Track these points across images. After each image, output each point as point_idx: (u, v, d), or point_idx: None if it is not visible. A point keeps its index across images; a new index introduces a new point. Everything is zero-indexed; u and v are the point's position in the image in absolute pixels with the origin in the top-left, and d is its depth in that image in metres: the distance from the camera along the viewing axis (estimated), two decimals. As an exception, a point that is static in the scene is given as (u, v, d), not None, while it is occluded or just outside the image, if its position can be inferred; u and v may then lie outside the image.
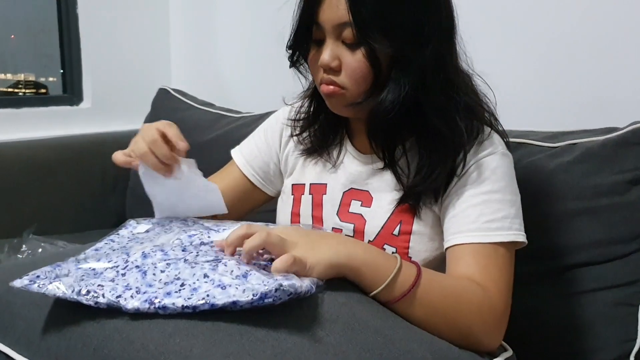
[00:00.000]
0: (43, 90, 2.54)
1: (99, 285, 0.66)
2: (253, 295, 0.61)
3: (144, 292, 0.65)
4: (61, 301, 0.67)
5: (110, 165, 2.01)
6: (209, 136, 1.75)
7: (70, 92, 2.19)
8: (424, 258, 0.94)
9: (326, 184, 1.02)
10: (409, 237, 0.93)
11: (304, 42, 0.93)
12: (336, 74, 0.89)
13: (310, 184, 1.04)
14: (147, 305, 0.64)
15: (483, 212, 0.87)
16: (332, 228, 1.00)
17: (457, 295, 0.81)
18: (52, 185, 1.91)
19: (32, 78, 2.63)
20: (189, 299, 0.63)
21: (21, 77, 2.63)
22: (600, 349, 1.05)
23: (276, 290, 0.62)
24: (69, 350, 0.64)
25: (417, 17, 0.86)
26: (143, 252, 0.74)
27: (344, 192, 1.00)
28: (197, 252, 0.74)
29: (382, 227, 0.95)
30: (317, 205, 1.03)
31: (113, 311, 0.64)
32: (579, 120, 1.26)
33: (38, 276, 0.67)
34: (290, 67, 0.98)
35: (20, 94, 2.50)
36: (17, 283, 0.65)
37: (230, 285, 0.64)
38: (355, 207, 0.98)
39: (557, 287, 1.09)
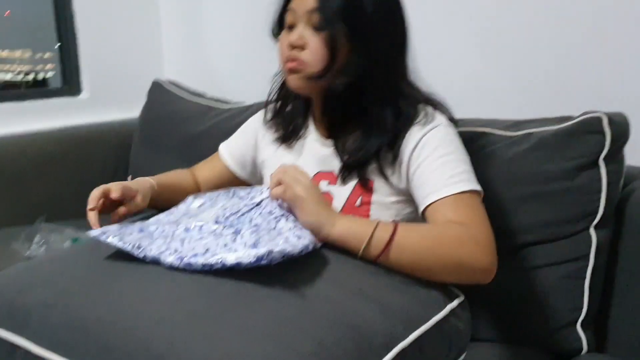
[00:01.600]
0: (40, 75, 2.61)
1: (149, 245, 0.87)
2: (250, 258, 0.79)
3: (179, 253, 0.84)
4: (67, 299, 0.81)
5: (109, 153, 2.16)
6: (200, 127, 1.85)
7: (69, 83, 2.28)
8: None
9: None
10: (369, 206, 1.08)
11: (280, 27, 1.10)
12: (300, 51, 1.05)
13: None
14: (178, 262, 0.83)
15: (444, 171, 1.01)
16: None
17: (436, 235, 0.94)
18: (56, 175, 2.02)
19: (28, 54, 2.69)
20: (207, 259, 0.82)
21: (18, 53, 2.70)
22: (551, 317, 1.17)
23: (268, 254, 0.78)
24: (75, 341, 0.75)
25: (375, 15, 1.02)
26: (186, 227, 0.91)
27: (313, 175, 1.13)
28: (224, 225, 0.90)
29: (345, 201, 1.10)
30: None
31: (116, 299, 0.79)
32: (549, 107, 1.35)
33: (105, 232, 0.89)
34: (274, 37, 1.13)
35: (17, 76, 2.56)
36: (92, 233, 0.89)
37: (237, 251, 0.81)
38: (323, 186, 1.13)
39: (512, 263, 1.19)
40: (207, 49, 2.34)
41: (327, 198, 1.11)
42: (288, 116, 1.20)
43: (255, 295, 0.78)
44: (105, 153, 2.15)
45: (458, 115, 1.15)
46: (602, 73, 1.39)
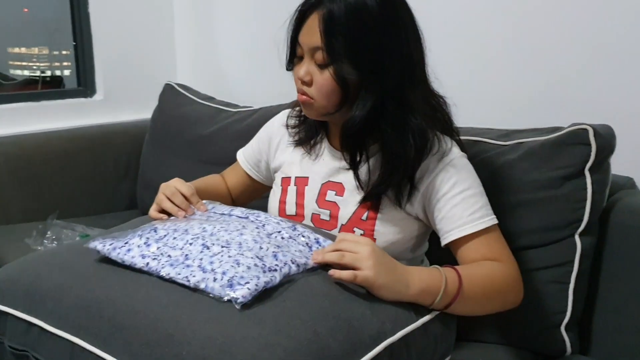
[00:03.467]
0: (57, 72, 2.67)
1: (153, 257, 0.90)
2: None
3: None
4: (82, 282, 0.88)
5: (121, 152, 2.24)
6: (208, 129, 1.92)
7: (84, 85, 2.36)
8: (388, 240, 1.12)
9: (308, 177, 1.21)
10: (375, 222, 1.12)
11: (292, 56, 1.12)
12: (308, 87, 1.08)
13: (296, 177, 1.23)
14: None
15: (465, 208, 1.07)
16: (312, 213, 1.19)
17: (491, 279, 1.02)
18: (70, 173, 2.09)
19: (45, 51, 2.73)
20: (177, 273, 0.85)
21: (35, 50, 2.75)
22: (537, 320, 1.21)
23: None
24: (89, 319, 0.83)
25: (379, 50, 1.02)
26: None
27: (322, 184, 1.18)
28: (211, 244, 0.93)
29: (352, 213, 1.14)
30: (300, 195, 1.21)
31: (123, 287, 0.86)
32: (540, 118, 1.39)
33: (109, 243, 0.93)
34: (288, 70, 1.15)
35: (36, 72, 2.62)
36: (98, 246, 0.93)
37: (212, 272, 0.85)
38: (330, 196, 1.17)
39: (500, 267, 1.24)
40: (218, 55, 2.39)
41: (332, 207, 1.16)
42: (309, 127, 1.22)
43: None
44: (117, 153, 2.22)
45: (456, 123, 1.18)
46: (595, 85, 1.42)
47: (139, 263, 0.89)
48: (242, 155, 1.38)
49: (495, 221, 1.08)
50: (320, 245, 0.99)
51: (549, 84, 1.50)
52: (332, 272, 0.90)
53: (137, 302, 0.83)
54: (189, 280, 0.84)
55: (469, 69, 1.63)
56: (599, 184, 1.20)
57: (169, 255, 0.89)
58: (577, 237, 1.20)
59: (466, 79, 1.63)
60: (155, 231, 0.97)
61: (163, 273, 0.86)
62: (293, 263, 0.90)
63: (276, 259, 0.89)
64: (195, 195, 1.13)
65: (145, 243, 0.93)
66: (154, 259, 0.89)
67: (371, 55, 1.02)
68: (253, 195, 1.39)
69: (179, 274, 0.85)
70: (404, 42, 1.05)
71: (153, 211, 1.13)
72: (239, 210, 1.11)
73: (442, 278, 0.95)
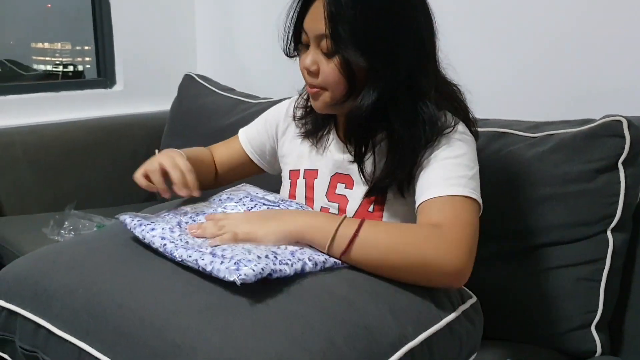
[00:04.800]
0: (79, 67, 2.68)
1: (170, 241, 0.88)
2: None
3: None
4: (89, 284, 0.85)
5: (140, 143, 2.22)
6: (227, 121, 1.89)
7: (104, 76, 2.36)
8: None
9: (317, 169, 1.16)
10: (382, 213, 1.07)
11: (295, 43, 1.06)
12: (315, 77, 1.02)
13: (305, 169, 1.18)
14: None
15: (443, 172, 0.96)
16: (321, 207, 1.15)
17: (403, 233, 0.89)
18: (88, 164, 2.09)
19: (68, 47, 2.75)
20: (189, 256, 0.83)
21: (58, 45, 2.76)
22: (565, 319, 1.17)
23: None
24: (95, 325, 0.79)
25: (389, 37, 0.96)
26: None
27: (331, 177, 1.14)
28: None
29: (359, 206, 1.09)
30: (309, 188, 1.17)
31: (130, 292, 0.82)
32: (571, 110, 1.34)
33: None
34: (290, 57, 1.10)
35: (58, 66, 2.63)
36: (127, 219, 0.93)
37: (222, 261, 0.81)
38: (340, 189, 1.13)
39: (527, 264, 1.20)
40: (238, 47, 2.38)
41: (341, 200, 1.12)
42: (316, 118, 1.18)
43: (270, 291, 0.80)
44: (136, 144, 2.21)
45: (480, 115, 1.14)
46: (626, 76, 1.38)
47: (157, 243, 0.88)
48: (244, 136, 1.30)
49: (470, 195, 0.93)
50: None
51: (577, 74, 1.45)
52: (211, 241, 0.88)
53: (145, 308, 0.78)
54: (198, 264, 0.81)
55: (491, 58, 1.59)
56: (633, 178, 1.15)
57: (187, 242, 0.88)
58: (609, 233, 1.16)
59: (489, 69, 1.58)
60: (180, 225, 0.95)
61: (176, 255, 0.84)
62: (310, 260, 0.86)
63: (292, 256, 0.86)
64: (192, 172, 1.05)
65: (170, 229, 0.92)
66: (172, 242, 0.87)
67: (380, 42, 0.96)
68: (242, 175, 1.33)
69: (190, 256, 0.83)
70: (414, 27, 0.99)
71: (139, 175, 1.06)
72: (272, 195, 1.09)
73: (339, 218, 0.90)
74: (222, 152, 1.31)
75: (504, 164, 1.24)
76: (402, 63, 0.97)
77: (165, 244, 0.87)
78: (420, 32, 0.99)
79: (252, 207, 1.04)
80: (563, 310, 1.17)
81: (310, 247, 0.91)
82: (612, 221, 1.15)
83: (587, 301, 1.16)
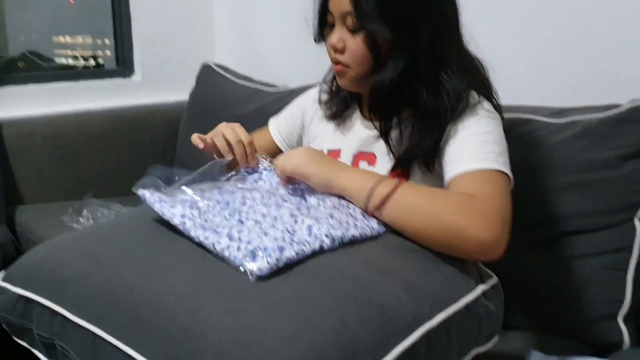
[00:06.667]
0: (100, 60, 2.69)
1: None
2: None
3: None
4: (102, 270, 0.84)
5: (159, 133, 2.21)
6: (246, 109, 1.88)
7: (123, 65, 2.35)
8: None
9: (340, 149, 1.16)
10: None
11: (322, 26, 1.08)
12: (341, 55, 1.04)
13: (328, 149, 1.19)
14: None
15: (471, 148, 0.97)
16: None
17: (439, 198, 0.89)
18: (107, 153, 2.09)
19: (89, 40, 2.77)
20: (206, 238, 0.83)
21: (79, 39, 2.78)
22: (590, 308, 1.14)
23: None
24: (109, 310, 0.78)
25: (412, 9, 0.99)
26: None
27: (354, 155, 1.14)
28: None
29: None
30: None
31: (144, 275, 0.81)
32: (595, 95, 1.30)
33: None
34: (316, 42, 1.12)
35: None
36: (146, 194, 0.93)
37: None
38: (363, 166, 1.13)
39: (552, 252, 1.18)
40: (256, 36, 2.36)
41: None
42: (342, 100, 1.19)
43: (281, 272, 0.78)
44: (155, 133, 2.21)
45: (503, 101, 1.11)
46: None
47: (177, 220, 0.87)
48: (274, 124, 1.34)
49: (501, 168, 0.93)
50: (365, 218, 0.93)
51: (602, 59, 1.41)
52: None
53: (155, 291, 0.78)
54: (215, 247, 0.81)
55: (513, 43, 1.56)
56: (661, 165, 1.12)
57: (205, 220, 0.88)
58: (636, 221, 1.13)
59: (511, 54, 1.55)
60: (197, 203, 0.94)
61: (193, 234, 0.84)
62: (327, 237, 0.85)
63: (309, 234, 0.84)
64: (252, 144, 1.09)
65: (189, 206, 0.91)
66: (191, 219, 0.87)
67: (402, 13, 0.99)
68: None
69: (207, 238, 0.82)
70: None
71: (196, 137, 1.11)
72: None
73: (378, 176, 0.93)
74: (258, 141, 1.29)
75: (527, 151, 1.22)
76: (424, 34, 0.99)
77: (184, 222, 0.87)
78: (443, 4, 1.02)
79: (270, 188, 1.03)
80: (588, 300, 1.15)
81: (329, 220, 0.89)
82: (639, 208, 1.12)
83: (614, 291, 1.13)
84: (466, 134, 0.99)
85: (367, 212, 0.93)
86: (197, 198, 0.95)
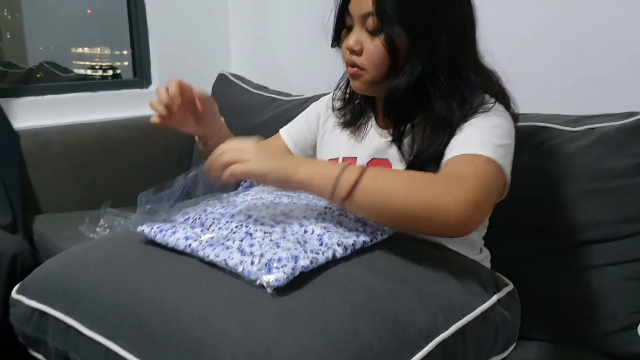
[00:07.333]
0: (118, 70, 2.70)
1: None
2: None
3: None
4: (115, 282, 0.84)
5: (174, 143, 2.21)
6: (261, 118, 1.89)
7: (140, 76, 2.36)
8: None
9: (356, 157, 1.16)
10: None
11: (340, 29, 1.09)
12: (358, 57, 1.04)
13: (343, 157, 1.19)
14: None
15: (469, 137, 0.96)
16: None
17: (410, 177, 0.87)
18: (124, 162, 2.10)
19: (107, 51, 2.79)
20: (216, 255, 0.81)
21: (97, 50, 2.80)
22: (610, 319, 1.12)
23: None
24: (121, 322, 0.78)
25: (432, 13, 0.99)
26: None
27: (368, 162, 1.13)
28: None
29: None
30: None
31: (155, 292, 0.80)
32: (613, 104, 1.28)
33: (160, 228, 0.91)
34: (332, 47, 1.12)
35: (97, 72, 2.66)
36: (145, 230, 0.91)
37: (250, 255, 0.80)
38: None
39: (570, 262, 1.16)
40: (273, 46, 2.37)
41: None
42: (356, 107, 1.19)
43: (293, 282, 0.77)
44: (170, 142, 2.21)
45: (519, 109, 1.10)
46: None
47: (182, 245, 0.86)
48: (287, 133, 1.33)
49: (495, 158, 0.91)
50: (367, 224, 0.92)
51: (615, 66, 1.40)
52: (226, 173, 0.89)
53: (167, 303, 0.77)
54: (227, 264, 0.79)
55: (529, 51, 1.54)
56: (680, 172, 1.10)
57: (211, 237, 0.86)
58: (656, 230, 1.11)
59: (527, 63, 1.54)
60: (201, 218, 0.93)
61: (202, 255, 0.83)
62: (339, 245, 0.84)
63: (321, 243, 0.83)
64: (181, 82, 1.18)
65: (191, 226, 0.91)
66: (196, 240, 0.86)
67: (423, 19, 0.99)
68: None
69: (218, 256, 0.81)
70: (455, 7, 1.01)
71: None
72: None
73: (342, 166, 0.86)
74: None
75: (544, 159, 1.21)
76: (442, 39, 0.99)
77: (190, 244, 0.85)
78: (462, 12, 1.02)
79: (273, 198, 1.02)
80: (607, 310, 1.13)
81: (338, 227, 0.88)
82: (659, 218, 1.10)
83: (633, 301, 1.12)
84: (472, 125, 0.98)
85: (333, 202, 0.88)
86: (199, 212, 0.95)
